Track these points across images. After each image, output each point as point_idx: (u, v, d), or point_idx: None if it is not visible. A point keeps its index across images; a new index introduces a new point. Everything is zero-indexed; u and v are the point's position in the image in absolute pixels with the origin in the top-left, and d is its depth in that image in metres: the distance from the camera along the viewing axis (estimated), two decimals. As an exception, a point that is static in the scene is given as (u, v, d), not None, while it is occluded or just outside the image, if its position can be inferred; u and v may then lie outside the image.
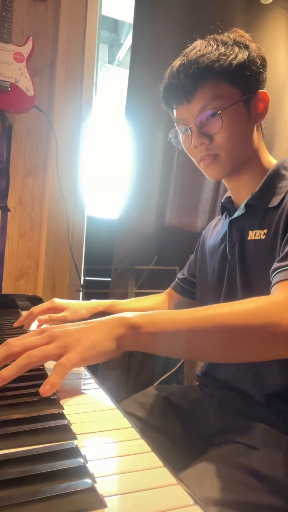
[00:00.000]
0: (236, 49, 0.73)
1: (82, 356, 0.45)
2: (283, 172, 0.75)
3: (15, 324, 0.90)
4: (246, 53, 0.74)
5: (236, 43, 0.74)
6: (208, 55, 0.72)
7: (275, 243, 0.68)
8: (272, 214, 0.71)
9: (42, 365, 0.61)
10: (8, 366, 0.44)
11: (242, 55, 0.73)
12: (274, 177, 0.75)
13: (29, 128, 1.84)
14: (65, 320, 0.86)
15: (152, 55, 1.83)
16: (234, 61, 0.72)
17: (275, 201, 0.72)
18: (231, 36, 0.76)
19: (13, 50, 1.64)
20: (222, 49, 0.73)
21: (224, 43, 0.74)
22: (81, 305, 0.90)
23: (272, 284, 0.61)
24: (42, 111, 1.79)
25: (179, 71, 0.73)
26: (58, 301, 0.89)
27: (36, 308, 0.88)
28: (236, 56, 0.73)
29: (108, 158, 2.30)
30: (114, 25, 2.89)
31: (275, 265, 0.62)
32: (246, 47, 0.75)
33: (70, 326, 0.48)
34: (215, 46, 0.73)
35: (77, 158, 1.87)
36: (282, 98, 2.13)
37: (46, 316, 0.87)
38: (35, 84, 1.69)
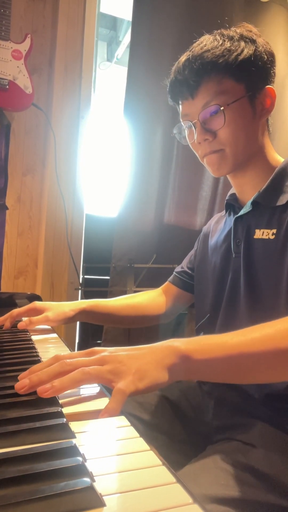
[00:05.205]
0: (242, 44, 0.72)
1: (135, 387, 0.44)
2: None
3: None
4: (253, 48, 0.73)
5: (242, 37, 0.73)
6: (213, 50, 0.71)
7: (286, 245, 0.68)
8: (281, 213, 0.71)
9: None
10: (63, 378, 0.44)
11: (248, 50, 0.72)
12: (282, 174, 0.74)
13: (27, 126, 1.84)
14: (47, 320, 0.83)
15: (151, 52, 1.82)
16: (240, 56, 0.71)
17: (283, 200, 0.71)
18: (238, 30, 0.75)
19: (11, 48, 1.63)
20: (227, 44, 0.72)
21: (231, 38, 0.73)
22: (64, 304, 0.88)
23: None
24: (41, 108, 1.78)
25: (184, 66, 0.73)
26: (38, 303, 0.88)
27: (16, 310, 0.87)
28: (242, 51, 0.72)
29: (106, 156, 2.29)
30: (112, 22, 2.88)
31: None
32: (253, 41, 0.73)
33: (120, 352, 0.47)
34: (220, 41, 0.72)
35: (76, 156, 1.86)
36: (282, 95, 2.13)
37: (26, 320, 0.83)
38: (34, 81, 1.68)
